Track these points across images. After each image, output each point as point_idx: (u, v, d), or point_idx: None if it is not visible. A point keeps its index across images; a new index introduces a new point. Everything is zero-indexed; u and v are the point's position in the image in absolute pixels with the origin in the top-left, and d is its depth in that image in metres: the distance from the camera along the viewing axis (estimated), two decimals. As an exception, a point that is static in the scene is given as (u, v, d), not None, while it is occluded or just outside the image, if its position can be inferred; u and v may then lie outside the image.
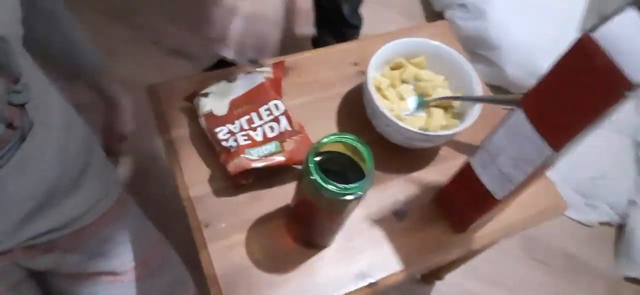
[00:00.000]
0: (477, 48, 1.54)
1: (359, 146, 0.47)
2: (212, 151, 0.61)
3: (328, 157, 0.48)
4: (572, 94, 0.42)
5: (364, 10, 1.38)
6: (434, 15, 1.69)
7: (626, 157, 1.47)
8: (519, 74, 1.46)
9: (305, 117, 0.65)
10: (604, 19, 0.40)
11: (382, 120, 0.61)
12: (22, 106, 0.48)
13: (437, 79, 0.69)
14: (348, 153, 0.48)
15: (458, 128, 0.61)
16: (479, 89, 0.66)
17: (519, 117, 0.47)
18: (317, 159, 0.47)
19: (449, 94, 0.68)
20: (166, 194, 0.91)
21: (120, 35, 1.45)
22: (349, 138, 0.47)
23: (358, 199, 0.46)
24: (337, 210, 0.49)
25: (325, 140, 0.47)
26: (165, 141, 0.63)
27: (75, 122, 0.61)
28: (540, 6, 1.50)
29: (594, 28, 0.40)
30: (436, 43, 0.68)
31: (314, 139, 0.60)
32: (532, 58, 1.43)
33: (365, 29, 1.41)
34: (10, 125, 0.47)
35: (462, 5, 1.56)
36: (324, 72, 0.73)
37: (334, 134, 0.47)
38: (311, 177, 0.44)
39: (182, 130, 0.64)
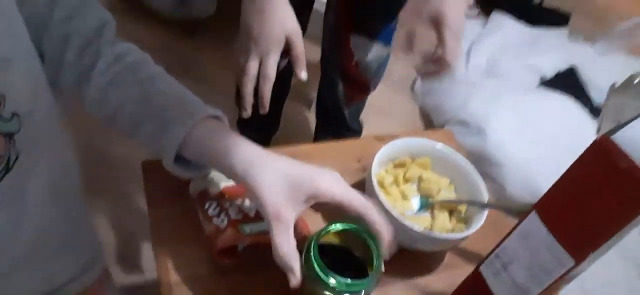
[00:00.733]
0: (477, 164, 1.54)
1: (370, 241, 0.43)
2: (201, 234, 0.57)
3: (327, 248, 0.44)
4: (594, 199, 0.39)
5: (365, 118, 1.40)
6: (433, 129, 1.72)
7: (633, 287, 1.40)
8: (519, 193, 1.45)
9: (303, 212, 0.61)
10: (620, 125, 0.39)
11: (385, 217, 0.58)
12: (9, 135, 0.45)
13: (442, 181, 0.67)
14: (349, 246, 0.44)
15: (466, 232, 0.58)
16: (486, 195, 0.63)
17: (534, 221, 0.43)
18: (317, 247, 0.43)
19: (454, 197, 0.65)
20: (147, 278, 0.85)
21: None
22: (358, 229, 0.43)
23: None
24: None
25: (331, 227, 0.43)
26: (152, 219, 0.59)
27: (74, 168, 0.58)
28: (538, 126, 1.53)
29: (611, 132, 0.38)
30: (442, 145, 0.67)
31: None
32: (532, 177, 1.42)
33: (365, 136, 1.42)
34: None
35: (463, 122, 1.59)
36: (325, 165, 0.70)
37: (339, 222, 0.43)
38: (311, 269, 0.40)
39: (171, 210, 0.60)
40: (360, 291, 0.40)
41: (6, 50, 0.44)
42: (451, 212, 0.64)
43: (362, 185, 0.65)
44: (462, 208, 0.64)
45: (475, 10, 2.33)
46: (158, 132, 0.51)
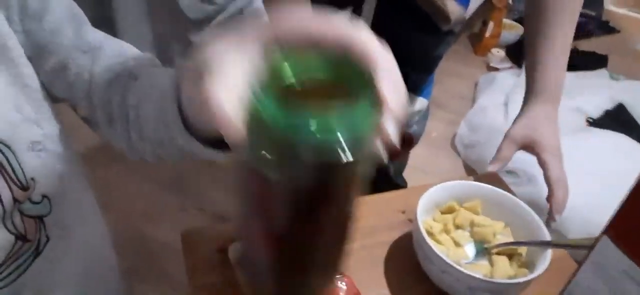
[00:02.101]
0: (531, 214, 1.45)
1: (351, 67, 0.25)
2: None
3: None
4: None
5: (407, 176, 1.36)
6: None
7: None
8: (580, 237, 1.34)
9: (348, 265, 0.57)
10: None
11: (438, 265, 0.53)
12: (39, 218, 0.45)
13: (496, 224, 0.62)
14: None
15: (530, 275, 0.52)
16: (547, 235, 0.58)
17: (607, 248, 0.38)
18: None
19: (512, 240, 0.60)
20: None
21: (168, 202, 1.49)
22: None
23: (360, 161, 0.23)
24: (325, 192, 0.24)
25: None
26: (192, 289, 0.57)
27: (109, 255, 0.57)
28: (591, 166, 1.44)
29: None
30: (492, 187, 0.63)
31: (359, 290, 0.53)
32: (592, 218, 1.31)
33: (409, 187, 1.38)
34: (22, 238, 0.43)
35: (510, 172, 1.52)
36: (368, 218, 0.67)
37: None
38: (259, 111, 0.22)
39: (212, 280, 0.58)
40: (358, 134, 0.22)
41: (38, 134, 0.44)
42: (510, 257, 0.59)
43: (409, 238, 0.61)
44: (523, 251, 0.59)
45: (508, 63, 2.32)
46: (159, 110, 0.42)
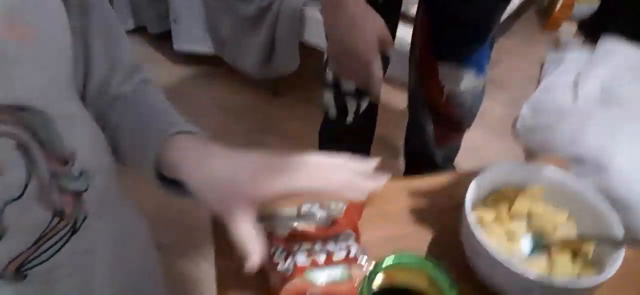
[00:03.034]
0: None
1: (437, 274, 0.33)
2: (266, 283, 0.50)
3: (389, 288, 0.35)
4: None
5: (459, 163, 1.27)
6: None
7: None
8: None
9: (389, 252, 0.52)
10: None
11: (487, 261, 0.47)
12: (77, 194, 0.43)
13: (558, 216, 0.54)
14: (414, 285, 0.35)
15: (597, 278, 0.45)
16: (620, 231, 0.49)
17: None
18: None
19: (575, 234, 0.52)
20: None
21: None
22: (423, 263, 0.34)
23: None
24: None
25: (389, 262, 0.34)
26: (218, 269, 0.54)
27: (139, 229, 0.55)
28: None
29: None
30: (555, 170, 0.55)
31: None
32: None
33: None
34: (59, 214, 0.41)
35: (578, 159, 1.39)
36: (413, 203, 0.61)
37: (401, 254, 0.34)
38: None
39: (238, 261, 0.54)
40: None
41: (72, 107, 0.44)
42: (574, 254, 0.51)
43: (456, 227, 0.55)
44: (589, 248, 0.51)
45: (580, 39, 2.13)
46: (139, 147, 0.48)
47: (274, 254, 0.49)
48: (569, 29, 2.16)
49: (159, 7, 1.91)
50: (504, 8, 0.93)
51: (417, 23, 1.01)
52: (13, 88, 0.37)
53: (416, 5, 1.01)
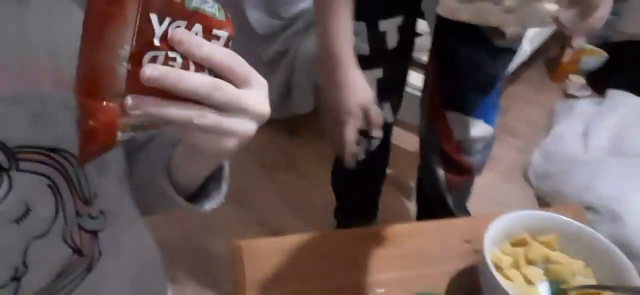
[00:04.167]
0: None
1: None
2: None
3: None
4: None
5: (472, 208, 1.28)
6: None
7: None
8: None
9: (408, 294, 0.53)
10: None
11: None
12: (94, 233, 0.45)
13: (575, 263, 0.55)
14: None
15: (615, 326, 0.46)
16: (638, 280, 0.50)
17: None
18: None
19: (594, 283, 0.53)
20: None
21: (228, 215, 1.50)
22: None
23: None
24: None
25: None
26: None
27: (153, 267, 0.57)
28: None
29: None
30: (572, 220, 0.56)
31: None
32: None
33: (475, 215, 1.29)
34: (78, 252, 0.43)
35: (590, 207, 1.40)
36: (429, 245, 0.63)
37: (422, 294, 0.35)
38: None
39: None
40: None
41: (108, 153, 0.46)
42: (592, 302, 0.52)
43: (474, 270, 0.56)
44: (607, 296, 0.52)
45: (588, 91, 2.16)
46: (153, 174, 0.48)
47: None
48: (576, 80, 2.20)
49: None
50: (508, 62, 0.96)
51: (428, 71, 1.05)
52: (50, 133, 0.40)
53: (428, 53, 1.05)
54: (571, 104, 1.99)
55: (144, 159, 0.54)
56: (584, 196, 1.43)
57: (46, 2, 0.44)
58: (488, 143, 1.08)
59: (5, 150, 0.38)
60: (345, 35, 0.76)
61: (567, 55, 2.19)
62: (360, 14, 0.86)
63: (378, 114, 0.82)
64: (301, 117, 1.80)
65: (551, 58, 2.34)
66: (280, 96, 1.74)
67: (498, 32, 0.84)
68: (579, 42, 0.54)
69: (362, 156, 1.08)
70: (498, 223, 0.55)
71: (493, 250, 0.55)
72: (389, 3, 0.90)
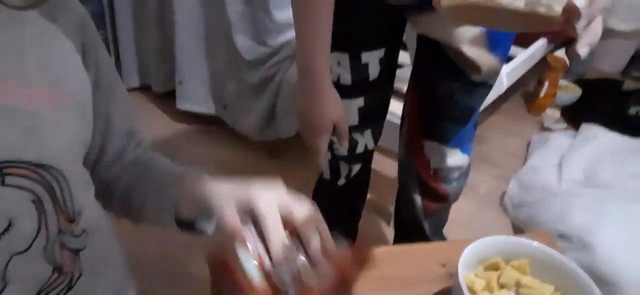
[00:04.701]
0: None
1: None
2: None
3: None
4: None
5: (449, 234, 1.30)
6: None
7: None
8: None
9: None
10: None
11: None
12: (76, 252, 0.46)
13: (545, 287, 0.57)
14: None
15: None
16: (603, 304, 0.53)
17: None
18: None
19: (562, 307, 0.56)
20: None
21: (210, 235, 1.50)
22: None
23: None
24: None
25: None
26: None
27: (130, 287, 0.57)
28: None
29: None
30: (543, 246, 0.59)
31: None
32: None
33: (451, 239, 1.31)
34: (59, 270, 0.44)
35: (563, 236, 1.44)
36: (406, 269, 0.65)
37: None
38: None
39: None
40: None
41: (84, 169, 0.48)
42: (561, 326, 0.54)
43: (448, 293, 0.58)
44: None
45: (563, 124, 2.24)
46: (159, 203, 0.54)
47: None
48: (552, 114, 2.27)
49: (166, 68, 1.99)
50: (484, 95, 1.00)
51: (407, 100, 1.09)
52: (40, 147, 0.41)
53: (408, 83, 1.09)
54: (547, 136, 2.05)
55: (132, 181, 0.56)
56: (557, 225, 1.48)
57: (39, 22, 0.45)
58: (464, 172, 1.12)
59: None
60: (322, 49, 0.79)
61: (544, 90, 2.28)
62: (343, 44, 0.91)
63: (346, 129, 0.89)
64: (283, 140, 1.82)
65: (529, 92, 2.42)
66: (264, 120, 1.76)
67: (474, 66, 0.88)
68: (584, 48, 0.53)
69: (342, 182, 1.10)
70: (472, 247, 0.57)
71: (467, 273, 0.58)
72: (372, 36, 0.93)
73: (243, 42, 1.68)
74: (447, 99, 0.96)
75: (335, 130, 0.86)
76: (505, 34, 0.89)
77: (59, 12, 0.47)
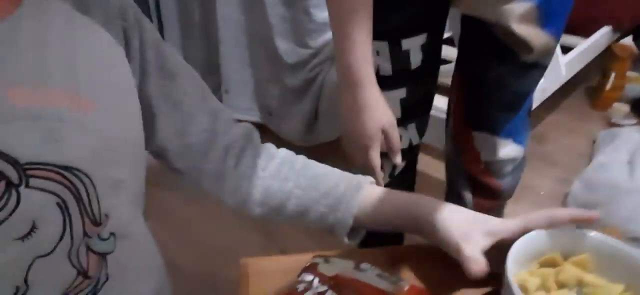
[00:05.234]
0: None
1: None
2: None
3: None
4: None
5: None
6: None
7: None
8: None
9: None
10: None
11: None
12: (102, 255, 0.44)
13: (613, 287, 0.49)
14: None
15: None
16: (687, 306, 0.44)
17: None
18: None
19: (635, 309, 0.47)
20: None
21: (250, 242, 1.49)
22: None
23: None
24: None
25: None
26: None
27: (162, 293, 0.55)
28: None
29: None
30: (609, 238, 0.51)
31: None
32: None
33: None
34: (84, 274, 0.42)
35: (635, 239, 1.30)
36: (449, 269, 0.58)
37: None
38: None
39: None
40: None
41: (120, 172, 0.46)
42: (634, 330, 0.46)
43: None
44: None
45: (633, 119, 2.05)
46: (332, 210, 0.56)
47: (311, 282, 0.48)
48: (620, 108, 2.09)
49: (213, 79, 2.02)
50: (538, 78, 0.91)
51: (452, 89, 1.02)
52: (64, 151, 0.40)
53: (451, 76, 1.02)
54: (615, 132, 1.89)
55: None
56: (629, 225, 1.34)
57: (68, 15, 0.44)
58: (518, 165, 1.02)
59: (16, 166, 0.37)
60: (364, 55, 0.73)
61: (610, 83, 2.10)
62: (381, 32, 0.84)
63: (398, 139, 0.80)
64: (327, 144, 1.79)
65: (592, 87, 2.25)
66: (307, 124, 1.74)
67: (526, 45, 0.80)
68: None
69: (386, 180, 1.04)
70: (524, 241, 0.50)
71: (519, 271, 0.51)
72: (412, 21, 0.87)
73: (284, 46, 1.67)
74: (497, 84, 0.88)
75: (385, 140, 0.79)
76: (559, 9, 0.81)
77: (92, 2, 0.46)
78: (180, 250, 1.46)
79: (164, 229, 1.51)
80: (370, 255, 0.59)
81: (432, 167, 1.66)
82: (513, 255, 0.49)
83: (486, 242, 0.51)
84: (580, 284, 0.50)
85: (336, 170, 0.60)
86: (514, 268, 0.48)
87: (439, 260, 0.58)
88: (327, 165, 0.60)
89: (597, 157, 1.79)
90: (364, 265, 0.53)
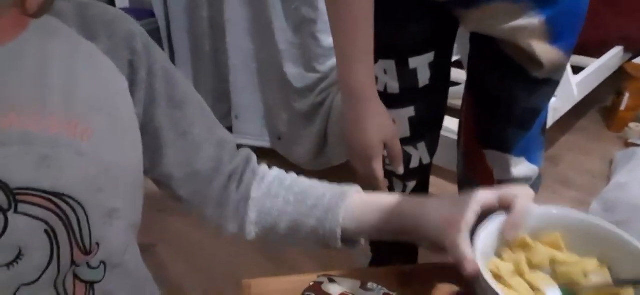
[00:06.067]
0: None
1: None
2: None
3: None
4: None
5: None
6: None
7: None
8: None
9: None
10: None
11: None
12: (90, 284, 0.44)
13: (587, 262, 0.48)
14: None
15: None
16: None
17: None
18: None
19: (612, 280, 0.46)
20: None
21: (258, 265, 1.49)
22: None
23: None
24: None
25: None
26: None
27: None
28: None
29: None
30: (580, 214, 0.50)
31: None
32: None
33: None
34: None
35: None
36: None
37: None
38: None
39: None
40: None
41: (116, 202, 0.45)
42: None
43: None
44: (629, 294, 0.44)
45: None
46: (321, 221, 0.55)
47: None
48: (636, 128, 2.04)
49: (223, 106, 2.07)
50: (550, 94, 0.88)
51: (463, 107, 0.99)
52: (56, 177, 0.39)
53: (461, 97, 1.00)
54: (633, 151, 1.84)
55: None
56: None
57: (73, 40, 0.44)
58: (533, 184, 0.97)
59: (6, 191, 0.37)
60: (365, 67, 0.74)
61: (625, 103, 2.06)
62: (388, 51, 0.84)
63: (400, 149, 0.80)
64: (337, 168, 1.79)
65: (606, 107, 2.21)
66: (317, 148, 1.75)
67: (535, 61, 0.78)
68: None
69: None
70: (489, 227, 0.49)
71: (492, 258, 0.50)
72: (419, 39, 0.86)
73: (293, 71, 1.71)
74: (507, 101, 0.86)
75: (387, 151, 0.79)
76: (569, 24, 0.79)
77: (99, 29, 0.46)
78: (188, 274, 1.47)
79: (171, 253, 1.53)
80: (378, 274, 0.58)
81: (445, 189, 1.65)
82: (480, 243, 0.47)
83: (470, 217, 0.48)
84: (553, 263, 0.49)
85: (324, 183, 0.59)
86: (484, 256, 0.47)
87: (449, 280, 0.56)
88: (314, 180, 0.60)
89: (616, 177, 1.74)
90: (370, 285, 0.53)
